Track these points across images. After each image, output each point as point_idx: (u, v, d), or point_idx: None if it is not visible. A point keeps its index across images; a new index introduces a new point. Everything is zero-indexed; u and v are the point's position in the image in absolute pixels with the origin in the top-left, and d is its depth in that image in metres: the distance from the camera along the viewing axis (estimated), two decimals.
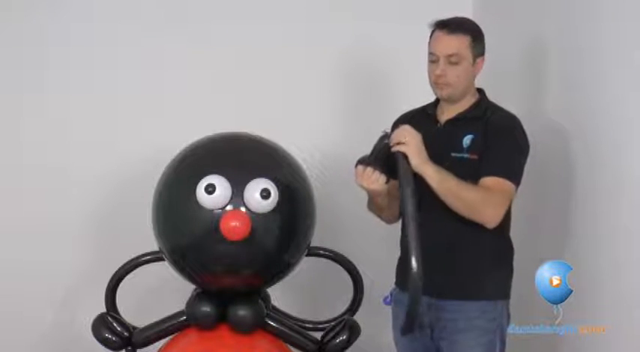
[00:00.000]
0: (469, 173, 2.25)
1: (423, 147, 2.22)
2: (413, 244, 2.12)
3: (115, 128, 3.31)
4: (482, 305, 2.31)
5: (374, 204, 2.47)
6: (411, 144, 2.20)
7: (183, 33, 3.31)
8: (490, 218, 2.23)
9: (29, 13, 3.29)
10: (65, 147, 3.31)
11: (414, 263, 2.11)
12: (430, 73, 2.36)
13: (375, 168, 2.26)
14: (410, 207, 2.14)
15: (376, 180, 2.27)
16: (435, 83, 2.36)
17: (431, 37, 2.36)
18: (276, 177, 2.54)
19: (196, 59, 3.31)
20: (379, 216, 2.53)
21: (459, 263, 2.32)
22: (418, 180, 2.21)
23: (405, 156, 2.20)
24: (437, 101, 2.45)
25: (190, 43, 3.31)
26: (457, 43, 2.30)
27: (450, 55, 2.30)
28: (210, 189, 2.46)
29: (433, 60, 2.34)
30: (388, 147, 2.23)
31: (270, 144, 2.70)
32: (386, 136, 2.25)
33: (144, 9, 3.32)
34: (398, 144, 2.21)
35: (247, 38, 3.33)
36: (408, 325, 2.21)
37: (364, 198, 2.47)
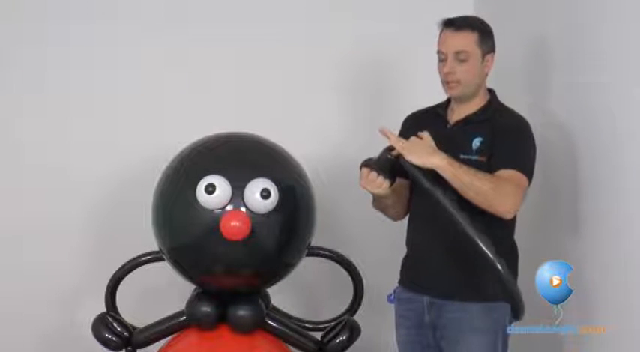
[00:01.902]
0: None
1: (422, 144, 2.21)
2: (480, 241, 2.11)
3: (115, 128, 3.31)
4: (484, 306, 2.31)
5: (379, 203, 2.47)
6: (407, 147, 2.20)
7: (183, 33, 3.31)
8: (507, 208, 2.20)
9: (29, 13, 3.29)
10: (65, 147, 3.31)
11: (498, 265, 2.10)
12: (440, 72, 2.35)
13: (379, 173, 2.26)
14: (451, 210, 2.13)
15: (380, 185, 2.27)
16: (444, 82, 2.35)
17: (439, 36, 2.36)
18: (276, 177, 2.54)
19: (196, 59, 3.31)
20: (385, 214, 2.53)
21: (463, 263, 2.31)
22: (429, 175, 2.19)
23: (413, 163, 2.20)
24: (448, 101, 2.44)
25: (190, 43, 3.31)
26: (464, 40, 2.30)
27: (458, 52, 2.30)
28: (210, 189, 2.46)
29: (442, 59, 2.34)
30: (392, 160, 2.23)
31: (270, 144, 2.70)
32: (388, 150, 2.24)
33: (144, 9, 3.32)
34: (399, 156, 2.21)
35: (247, 38, 3.32)
36: (518, 309, 2.17)
37: (365, 198, 2.46)
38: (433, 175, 2.19)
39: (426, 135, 2.25)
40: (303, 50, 3.34)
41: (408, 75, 3.28)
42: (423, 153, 2.20)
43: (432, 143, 2.23)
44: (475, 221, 2.17)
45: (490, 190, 2.18)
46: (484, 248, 2.11)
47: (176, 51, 3.31)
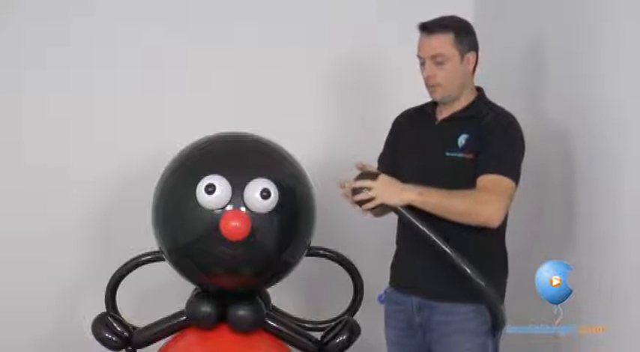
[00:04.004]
0: (464, 172, 2.24)
1: (388, 185, 2.22)
2: (462, 264, 2.17)
3: (115, 128, 3.31)
4: (474, 308, 2.29)
5: None
6: (378, 194, 2.21)
7: (183, 33, 3.31)
8: (488, 217, 2.19)
9: (29, 13, 3.29)
10: (65, 147, 3.31)
11: (478, 280, 2.16)
12: (422, 76, 2.36)
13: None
14: (429, 236, 2.19)
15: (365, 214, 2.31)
16: (427, 86, 2.36)
17: (418, 41, 2.37)
18: (276, 177, 2.54)
19: (196, 59, 3.31)
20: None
21: (451, 265, 2.30)
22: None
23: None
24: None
25: (190, 43, 3.31)
26: (438, 43, 2.30)
27: (434, 56, 2.30)
28: (210, 189, 2.46)
29: (421, 63, 2.35)
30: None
31: (270, 144, 2.70)
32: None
33: (144, 9, 3.32)
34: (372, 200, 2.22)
35: (247, 38, 3.33)
36: (498, 321, 2.24)
37: None
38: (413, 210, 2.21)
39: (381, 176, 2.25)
40: (303, 50, 3.34)
41: (408, 75, 3.25)
42: (394, 194, 2.21)
43: (394, 180, 2.24)
44: (461, 237, 2.20)
45: (467, 203, 2.19)
46: (468, 270, 2.17)
47: (176, 51, 3.31)
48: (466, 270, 2.17)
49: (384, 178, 2.24)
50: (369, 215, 2.38)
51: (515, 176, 2.25)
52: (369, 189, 2.22)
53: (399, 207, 2.22)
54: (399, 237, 2.48)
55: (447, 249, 2.18)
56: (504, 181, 2.22)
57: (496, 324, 2.27)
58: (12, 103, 3.31)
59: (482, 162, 2.25)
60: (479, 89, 2.42)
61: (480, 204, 2.19)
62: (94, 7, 3.31)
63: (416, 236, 2.35)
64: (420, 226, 2.20)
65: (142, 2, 3.33)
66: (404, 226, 2.44)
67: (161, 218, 2.62)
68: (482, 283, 2.18)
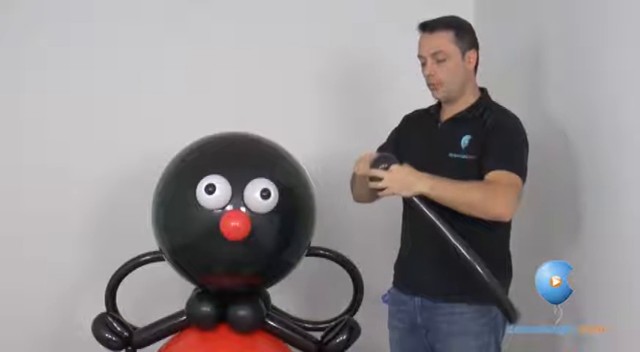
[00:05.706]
0: (467, 174, 2.23)
1: (400, 176, 2.17)
2: (471, 259, 2.10)
3: (115, 128, 3.31)
4: (476, 308, 2.29)
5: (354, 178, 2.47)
6: (390, 187, 2.17)
7: (183, 33, 3.31)
8: (501, 211, 2.16)
9: (29, 14, 3.29)
10: (65, 147, 3.31)
11: (485, 277, 2.10)
12: (424, 76, 2.36)
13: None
14: (445, 232, 2.13)
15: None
16: (428, 85, 2.36)
17: (418, 42, 2.36)
18: (276, 177, 2.54)
19: (196, 59, 3.31)
20: (351, 189, 2.53)
21: (454, 265, 2.29)
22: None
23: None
24: (440, 102, 2.44)
25: (190, 43, 3.31)
26: (439, 40, 2.30)
27: (435, 53, 2.30)
28: (210, 189, 2.46)
29: (423, 63, 2.35)
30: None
31: (270, 144, 2.70)
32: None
33: (144, 9, 3.32)
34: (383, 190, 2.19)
35: (247, 38, 3.33)
36: (510, 315, 2.15)
37: None
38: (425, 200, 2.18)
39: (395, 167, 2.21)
40: (303, 50, 3.34)
41: (408, 75, 3.26)
42: (406, 186, 2.16)
43: (407, 170, 2.18)
44: (467, 231, 2.15)
45: (479, 197, 2.16)
46: (477, 265, 2.10)
47: (176, 51, 3.31)
48: (475, 266, 2.10)
49: (396, 169, 2.18)
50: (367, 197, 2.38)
51: (522, 173, 2.25)
52: (380, 179, 2.18)
53: (413, 198, 2.17)
54: (403, 236, 2.48)
55: (457, 243, 2.12)
56: (514, 178, 2.21)
57: (509, 319, 2.17)
58: (12, 103, 3.31)
59: (489, 160, 2.23)
60: (482, 90, 2.41)
61: (494, 195, 2.16)
62: (94, 7, 3.31)
63: (419, 235, 2.35)
64: (433, 217, 2.14)
65: (142, 2, 3.33)
66: (408, 225, 2.45)
67: (161, 218, 2.62)
68: (489, 280, 2.10)
